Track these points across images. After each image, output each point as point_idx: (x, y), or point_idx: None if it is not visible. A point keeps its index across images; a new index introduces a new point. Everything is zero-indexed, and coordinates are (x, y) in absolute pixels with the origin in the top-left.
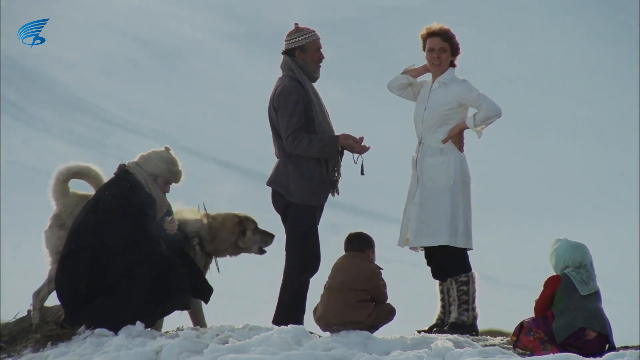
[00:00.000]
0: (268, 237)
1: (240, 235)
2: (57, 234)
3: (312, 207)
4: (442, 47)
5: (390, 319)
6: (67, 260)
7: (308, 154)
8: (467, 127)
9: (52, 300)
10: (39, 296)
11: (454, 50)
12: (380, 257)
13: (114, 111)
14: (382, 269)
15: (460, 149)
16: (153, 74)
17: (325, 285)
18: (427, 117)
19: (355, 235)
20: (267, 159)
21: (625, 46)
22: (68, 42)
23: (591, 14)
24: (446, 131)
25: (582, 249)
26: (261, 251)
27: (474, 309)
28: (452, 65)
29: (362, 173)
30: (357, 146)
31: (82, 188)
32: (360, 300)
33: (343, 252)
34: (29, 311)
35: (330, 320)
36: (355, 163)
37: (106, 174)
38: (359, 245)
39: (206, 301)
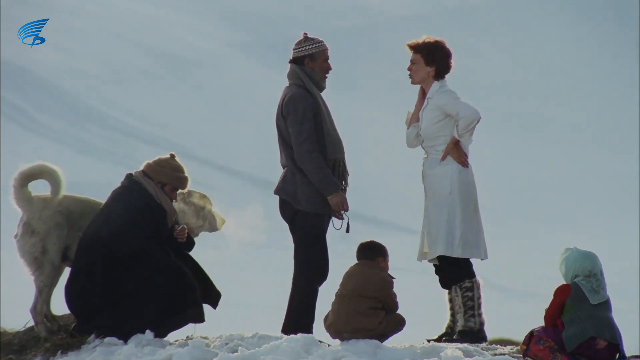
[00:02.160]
0: (220, 220)
1: (201, 210)
2: (30, 241)
3: (320, 214)
4: (413, 59)
5: (400, 329)
6: (81, 273)
7: (307, 172)
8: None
9: (62, 308)
10: (37, 310)
11: (430, 61)
12: (389, 265)
13: (124, 120)
14: (394, 278)
15: (462, 163)
16: (163, 83)
17: (337, 292)
18: (424, 134)
19: (367, 244)
20: (276, 168)
21: (627, 51)
22: (78, 51)
23: (592, 19)
24: (443, 142)
25: (592, 258)
26: (212, 230)
27: (480, 315)
28: (438, 77)
29: (347, 231)
30: (346, 207)
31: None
32: (371, 308)
33: (351, 260)
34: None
35: (340, 328)
36: (339, 228)
37: (117, 183)
38: (371, 253)
39: (214, 306)
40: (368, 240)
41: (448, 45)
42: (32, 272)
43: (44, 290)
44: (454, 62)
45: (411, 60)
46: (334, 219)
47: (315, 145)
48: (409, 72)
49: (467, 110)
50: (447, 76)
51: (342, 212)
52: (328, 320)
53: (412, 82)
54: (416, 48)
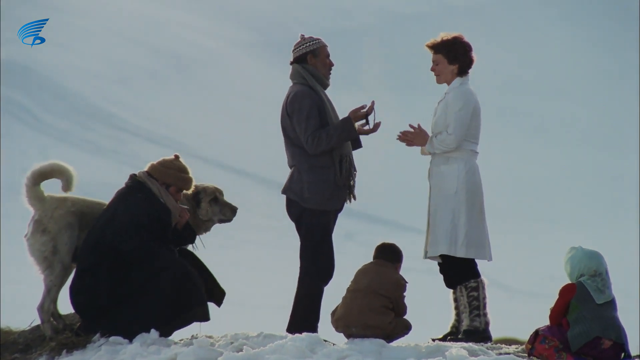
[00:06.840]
0: (228, 210)
1: (196, 206)
2: (40, 239)
3: (326, 212)
4: (434, 59)
5: (406, 333)
6: (86, 275)
7: (331, 146)
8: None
9: (67, 308)
10: (44, 309)
11: (452, 59)
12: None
13: (130, 120)
14: (407, 282)
15: (404, 140)
16: (169, 83)
17: (349, 287)
18: (435, 128)
19: (388, 246)
20: (282, 167)
21: (628, 51)
22: (84, 51)
23: (595, 19)
24: None
25: (597, 257)
26: (222, 221)
27: (485, 315)
28: (461, 74)
29: (375, 123)
30: (367, 110)
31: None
32: (384, 307)
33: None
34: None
35: (350, 322)
36: (370, 125)
37: (122, 183)
38: (391, 256)
39: (219, 305)
40: (390, 242)
41: (466, 38)
42: (41, 271)
43: (52, 289)
44: (475, 54)
45: (433, 61)
46: (368, 118)
47: (318, 130)
48: (436, 74)
49: (454, 135)
50: (470, 70)
51: (366, 112)
52: (337, 314)
53: (438, 82)
54: (436, 48)
